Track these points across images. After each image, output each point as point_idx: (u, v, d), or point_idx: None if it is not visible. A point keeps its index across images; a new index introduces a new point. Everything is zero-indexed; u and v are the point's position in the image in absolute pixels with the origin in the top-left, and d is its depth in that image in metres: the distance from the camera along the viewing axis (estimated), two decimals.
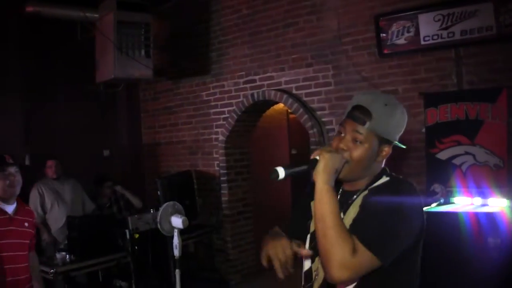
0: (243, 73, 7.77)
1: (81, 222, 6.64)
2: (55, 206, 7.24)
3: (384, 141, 2.25)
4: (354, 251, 1.99)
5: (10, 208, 4.11)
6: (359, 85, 6.41)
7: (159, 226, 5.02)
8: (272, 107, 8.36)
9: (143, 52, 7.87)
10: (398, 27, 5.97)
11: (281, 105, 7.93)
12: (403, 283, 2.22)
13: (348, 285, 2.16)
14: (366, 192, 2.27)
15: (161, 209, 5.11)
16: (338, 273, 1.99)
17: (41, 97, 8.28)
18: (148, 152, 9.66)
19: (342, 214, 2.21)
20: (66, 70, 8.48)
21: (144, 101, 9.72)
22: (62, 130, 8.43)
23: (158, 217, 5.08)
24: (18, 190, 4.14)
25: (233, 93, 7.93)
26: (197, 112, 8.56)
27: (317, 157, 2.16)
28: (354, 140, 2.23)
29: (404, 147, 2.28)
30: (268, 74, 7.43)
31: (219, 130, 8.17)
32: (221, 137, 8.11)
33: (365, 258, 2.00)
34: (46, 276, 5.98)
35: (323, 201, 2.10)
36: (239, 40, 7.85)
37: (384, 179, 2.30)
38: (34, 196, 7.20)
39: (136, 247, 6.77)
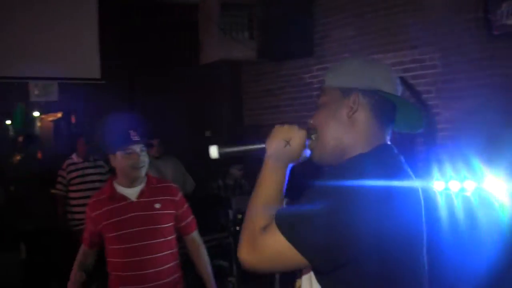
0: (347, 55, 7.74)
1: None
2: None
3: (346, 91, 1.82)
4: (264, 228, 1.69)
5: (131, 192, 3.63)
6: (466, 67, 6.38)
7: None
8: None
9: (246, 33, 8.11)
10: (508, 7, 5.92)
11: None
12: None
13: None
14: None
15: None
16: (241, 251, 1.73)
17: (147, 78, 8.69)
18: (250, 134, 9.79)
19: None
20: (169, 52, 8.83)
21: (246, 83, 9.92)
22: (165, 110, 8.81)
23: None
24: (142, 172, 3.62)
25: None
26: (300, 94, 8.65)
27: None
28: (316, 106, 1.92)
29: (395, 93, 1.80)
30: (373, 56, 7.46)
31: None
32: None
33: (275, 240, 1.64)
34: None
35: (260, 178, 1.89)
36: (342, 21, 7.88)
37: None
38: None
39: (238, 228, 6.99)
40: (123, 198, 3.59)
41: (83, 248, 3.73)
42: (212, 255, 7.13)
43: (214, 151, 2.02)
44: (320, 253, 1.60)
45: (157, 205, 3.65)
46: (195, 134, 9.31)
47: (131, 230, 3.51)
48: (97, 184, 7.50)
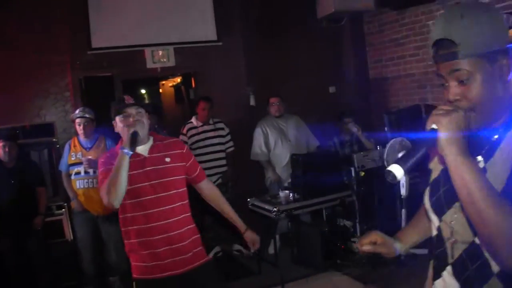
0: None
1: (305, 160, 6.89)
2: (278, 144, 7.70)
3: (492, 56, 1.78)
4: None
5: (142, 149, 3.86)
6: None
7: (385, 164, 5.16)
8: None
9: None
10: None
11: None
12: None
13: None
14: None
15: (388, 145, 5.25)
16: None
17: (264, 37, 8.76)
18: (375, 87, 9.75)
19: (483, 162, 1.86)
20: (288, 8, 8.86)
21: (369, 34, 9.78)
22: (286, 68, 8.86)
23: (385, 154, 5.23)
24: (143, 132, 3.77)
25: None
26: (425, 42, 8.38)
27: (434, 126, 1.73)
28: (460, 82, 1.82)
29: None
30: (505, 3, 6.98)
31: None
32: None
33: None
34: (269, 215, 6.48)
35: (465, 179, 1.67)
36: None
37: None
38: (257, 134, 7.75)
39: (361, 186, 6.95)
40: (137, 154, 3.77)
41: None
42: (335, 215, 7.19)
43: (398, 171, 1.73)
44: None
45: (167, 159, 3.90)
46: (318, 91, 9.28)
47: (145, 184, 3.75)
48: (217, 148, 7.69)
